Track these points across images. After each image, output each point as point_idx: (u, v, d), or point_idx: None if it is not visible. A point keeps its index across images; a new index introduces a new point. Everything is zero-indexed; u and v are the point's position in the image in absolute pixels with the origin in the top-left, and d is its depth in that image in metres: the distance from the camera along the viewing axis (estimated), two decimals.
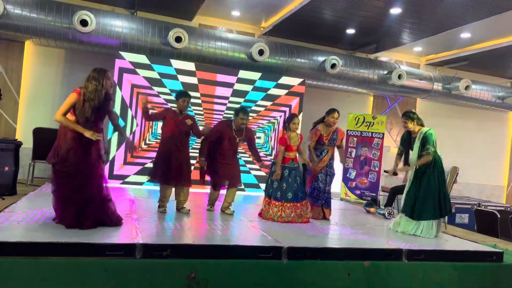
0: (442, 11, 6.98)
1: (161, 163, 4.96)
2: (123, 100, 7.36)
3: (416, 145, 4.92)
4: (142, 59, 7.45)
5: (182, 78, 7.71)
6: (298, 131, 5.48)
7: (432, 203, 4.83)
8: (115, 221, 3.95)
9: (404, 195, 5.08)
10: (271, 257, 3.58)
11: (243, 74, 8.08)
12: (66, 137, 3.76)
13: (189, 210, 5.16)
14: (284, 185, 5.16)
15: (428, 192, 4.85)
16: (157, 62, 7.57)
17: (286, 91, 8.37)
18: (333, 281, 3.66)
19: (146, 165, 7.46)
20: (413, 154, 4.97)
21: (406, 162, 5.14)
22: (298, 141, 5.30)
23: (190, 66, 7.74)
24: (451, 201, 5.21)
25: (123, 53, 7.34)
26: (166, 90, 7.60)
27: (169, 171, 4.91)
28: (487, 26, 7.64)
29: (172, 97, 7.54)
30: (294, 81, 8.40)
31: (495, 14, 6.87)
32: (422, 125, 5.03)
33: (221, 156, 5.25)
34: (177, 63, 7.66)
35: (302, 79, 8.50)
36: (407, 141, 5.14)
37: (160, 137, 5.28)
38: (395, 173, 5.23)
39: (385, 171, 5.51)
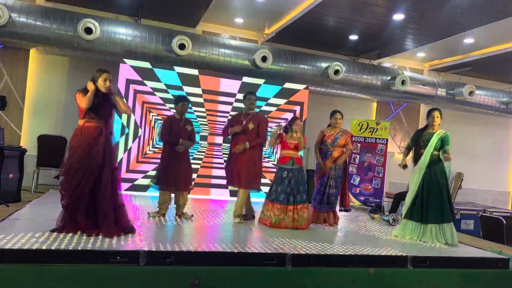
0: (445, 17, 6.99)
1: (163, 169, 5.07)
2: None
3: (433, 141, 5.00)
4: (145, 64, 7.48)
5: (179, 69, 7.63)
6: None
7: (441, 206, 4.86)
8: (129, 229, 3.91)
9: (410, 199, 5.06)
10: (275, 264, 3.56)
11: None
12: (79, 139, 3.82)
13: (192, 215, 5.18)
14: (279, 187, 5.13)
15: (437, 195, 4.90)
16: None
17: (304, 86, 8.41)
18: None
19: (135, 182, 7.36)
20: (428, 148, 5.02)
21: (416, 159, 5.16)
22: (298, 140, 5.24)
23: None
24: (456, 207, 5.21)
25: (126, 60, 7.39)
26: (162, 86, 7.51)
27: (169, 176, 5.01)
28: (491, 32, 7.63)
29: (169, 95, 7.52)
30: (298, 87, 8.42)
31: (498, 20, 6.88)
32: None
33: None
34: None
35: (305, 86, 8.52)
36: (417, 139, 5.24)
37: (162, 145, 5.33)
38: (405, 166, 5.35)
39: (399, 165, 5.54)
